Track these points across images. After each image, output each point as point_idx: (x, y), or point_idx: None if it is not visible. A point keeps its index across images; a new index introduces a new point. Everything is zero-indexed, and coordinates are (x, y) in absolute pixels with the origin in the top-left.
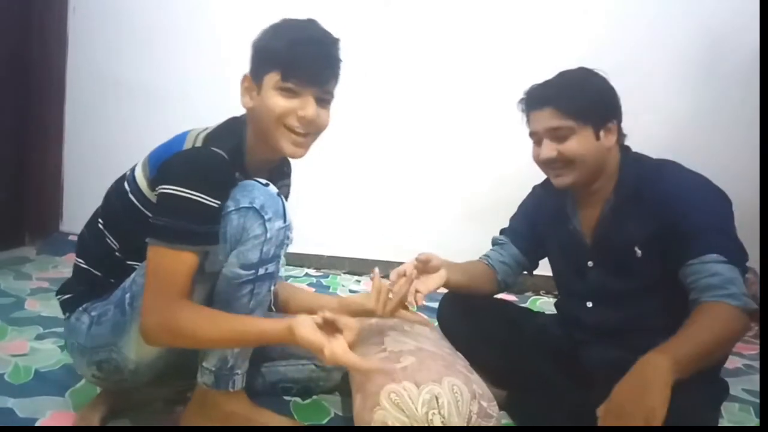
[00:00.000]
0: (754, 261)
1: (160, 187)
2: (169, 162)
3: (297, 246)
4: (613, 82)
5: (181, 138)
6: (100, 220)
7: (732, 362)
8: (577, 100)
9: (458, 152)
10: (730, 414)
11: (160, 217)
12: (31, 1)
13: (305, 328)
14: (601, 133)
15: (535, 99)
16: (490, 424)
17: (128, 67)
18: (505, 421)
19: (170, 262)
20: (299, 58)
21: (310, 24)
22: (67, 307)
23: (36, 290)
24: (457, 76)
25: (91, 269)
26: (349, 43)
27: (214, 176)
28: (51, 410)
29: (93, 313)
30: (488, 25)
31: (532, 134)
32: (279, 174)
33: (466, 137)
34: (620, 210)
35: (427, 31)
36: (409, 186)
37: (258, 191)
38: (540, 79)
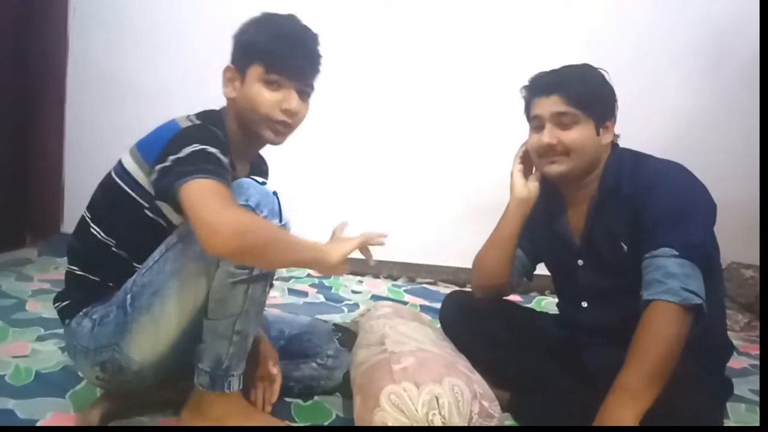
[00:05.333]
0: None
1: (174, 156)
2: (180, 135)
3: None
4: (615, 80)
5: (172, 124)
6: (93, 225)
7: (738, 362)
8: (583, 91)
9: (459, 152)
10: (736, 414)
11: (186, 166)
12: (32, 2)
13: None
14: (601, 131)
15: (542, 86)
16: (492, 425)
17: (129, 67)
18: (509, 422)
19: (212, 185)
20: (283, 52)
21: (291, 19)
22: (66, 313)
23: (37, 292)
24: (457, 76)
25: (88, 275)
26: (350, 43)
27: (221, 144)
28: (52, 411)
29: (94, 316)
30: (489, 25)
31: (533, 119)
32: (258, 172)
33: (467, 137)
34: (604, 206)
35: (428, 30)
36: (409, 186)
37: (254, 189)
38: None
